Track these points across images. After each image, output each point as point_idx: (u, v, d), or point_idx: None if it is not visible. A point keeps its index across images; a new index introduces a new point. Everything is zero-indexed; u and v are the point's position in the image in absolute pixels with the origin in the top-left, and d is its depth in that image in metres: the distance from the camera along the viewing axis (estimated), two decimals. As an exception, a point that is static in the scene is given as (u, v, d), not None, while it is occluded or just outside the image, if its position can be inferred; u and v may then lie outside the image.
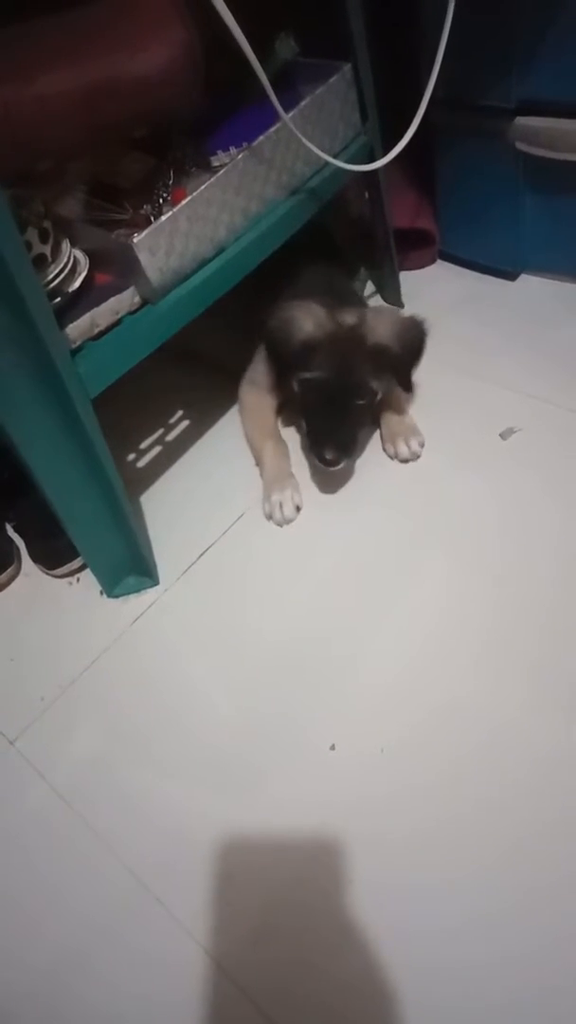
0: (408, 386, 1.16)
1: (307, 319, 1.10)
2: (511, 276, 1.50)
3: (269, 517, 1.19)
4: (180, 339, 1.02)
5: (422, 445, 1.22)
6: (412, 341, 1.12)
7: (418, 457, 1.22)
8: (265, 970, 0.80)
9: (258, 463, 1.25)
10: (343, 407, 1.12)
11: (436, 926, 0.79)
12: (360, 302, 1.32)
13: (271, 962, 0.80)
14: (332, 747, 0.94)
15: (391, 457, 1.23)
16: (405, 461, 1.22)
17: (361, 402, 1.13)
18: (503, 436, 1.22)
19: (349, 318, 1.11)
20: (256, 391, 1.28)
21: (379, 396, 1.16)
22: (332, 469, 1.14)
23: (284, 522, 1.18)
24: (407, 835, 0.86)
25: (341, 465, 1.14)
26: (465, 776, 0.89)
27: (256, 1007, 0.77)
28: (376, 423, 1.27)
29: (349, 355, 1.09)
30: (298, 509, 1.19)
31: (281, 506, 1.18)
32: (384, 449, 1.24)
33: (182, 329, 1.02)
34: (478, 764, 0.89)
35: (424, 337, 1.14)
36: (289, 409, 1.30)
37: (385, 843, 0.85)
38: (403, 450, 1.21)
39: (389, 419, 1.25)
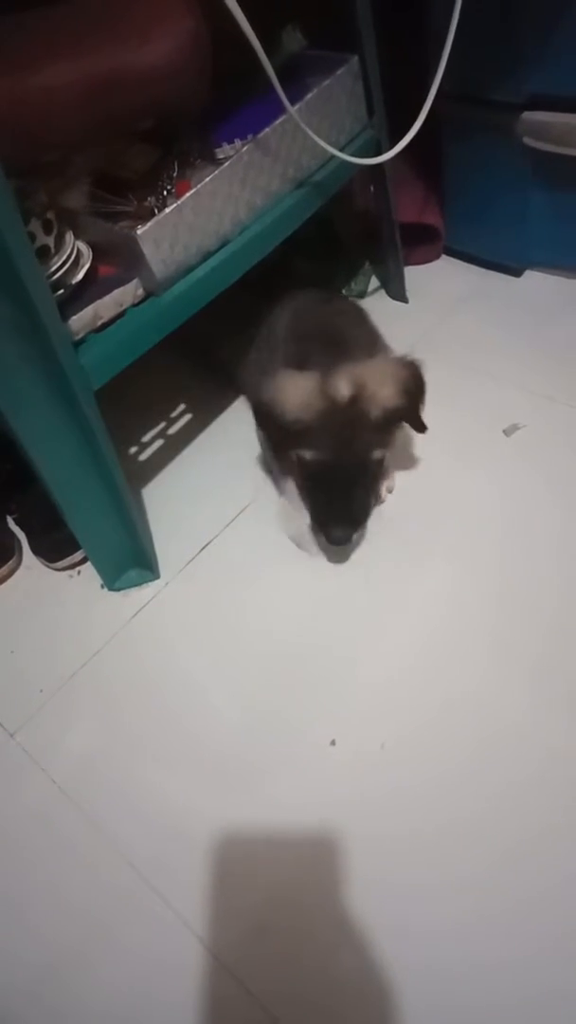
0: (422, 428, 1.08)
1: (294, 396, 0.99)
2: (517, 272, 1.49)
3: (299, 544, 1.15)
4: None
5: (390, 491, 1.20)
6: (415, 387, 1.03)
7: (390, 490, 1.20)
8: (265, 965, 0.80)
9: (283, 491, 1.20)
10: (348, 486, 1.03)
11: (435, 923, 0.79)
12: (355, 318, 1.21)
13: (271, 957, 0.80)
14: (332, 742, 0.94)
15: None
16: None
17: (369, 473, 1.05)
18: (507, 432, 1.22)
19: (343, 387, 0.98)
20: None
21: (385, 459, 1.08)
22: (342, 545, 1.08)
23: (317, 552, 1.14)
24: (407, 831, 0.85)
25: (353, 540, 1.08)
26: (466, 773, 0.88)
27: (256, 1001, 0.78)
28: None
29: (349, 434, 0.99)
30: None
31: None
32: None
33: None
34: (479, 761, 0.89)
35: (423, 377, 1.04)
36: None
37: (385, 839, 0.85)
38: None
39: None
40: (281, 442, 1.05)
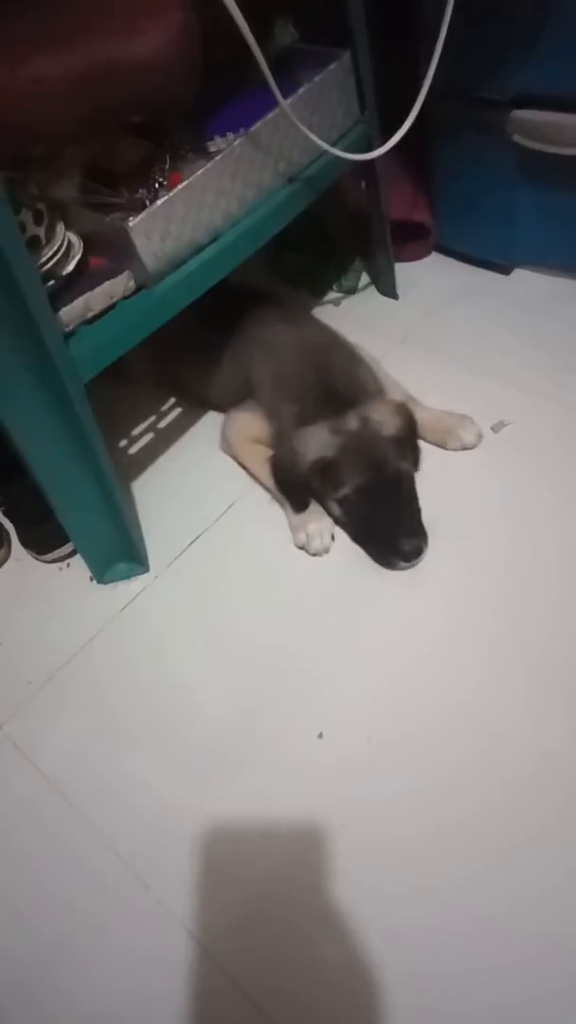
0: (417, 464, 1.14)
1: (311, 445, 1.07)
2: (506, 270, 1.50)
3: (302, 547, 1.13)
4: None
5: (480, 435, 1.21)
6: (409, 425, 1.11)
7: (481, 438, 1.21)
8: (253, 957, 0.80)
9: (278, 498, 1.18)
10: (395, 497, 1.07)
11: (422, 917, 0.80)
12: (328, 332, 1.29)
13: (259, 949, 0.81)
14: (320, 735, 0.94)
15: (459, 449, 1.21)
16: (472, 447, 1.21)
17: (406, 484, 1.09)
18: (494, 429, 1.23)
19: (352, 423, 1.08)
20: (250, 442, 1.24)
21: (413, 479, 1.12)
22: (415, 561, 1.07)
23: (323, 551, 1.12)
24: (394, 825, 0.86)
25: (424, 553, 1.07)
26: (454, 767, 0.89)
27: (243, 993, 0.78)
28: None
29: (374, 452, 1.06)
30: (333, 538, 1.14)
31: (321, 535, 1.12)
32: (447, 447, 1.21)
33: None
34: (467, 755, 0.90)
35: (414, 419, 1.13)
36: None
37: (372, 832, 0.86)
38: (470, 438, 1.20)
39: (425, 419, 1.20)
40: (304, 495, 1.12)
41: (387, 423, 1.09)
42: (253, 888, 0.85)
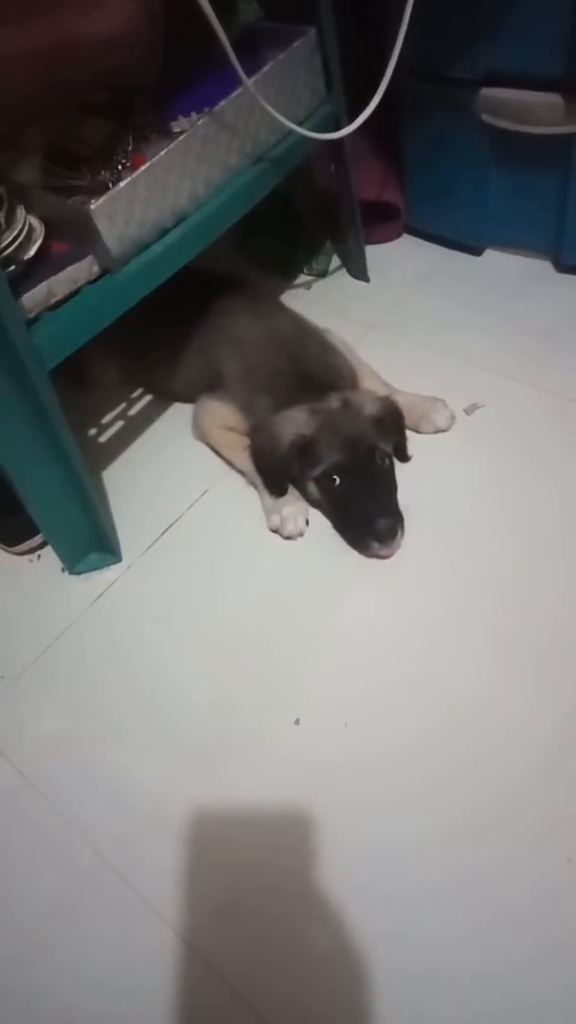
0: (405, 456, 1.15)
1: (287, 426, 1.07)
2: (477, 251, 1.49)
3: (275, 530, 1.12)
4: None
5: (453, 418, 1.21)
6: (395, 416, 1.11)
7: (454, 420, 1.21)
8: (234, 947, 0.80)
9: (254, 482, 1.18)
10: (371, 477, 1.06)
11: (403, 901, 0.80)
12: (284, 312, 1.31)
13: (240, 939, 0.80)
14: (296, 722, 0.94)
15: (432, 432, 1.20)
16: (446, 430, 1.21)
17: (383, 463, 1.08)
18: (467, 412, 1.22)
19: (334, 402, 1.08)
20: (224, 429, 1.23)
21: (391, 460, 1.11)
22: (392, 545, 1.05)
23: (296, 534, 1.11)
24: (372, 808, 0.86)
25: (399, 537, 1.06)
26: (429, 752, 0.89)
27: (226, 984, 0.77)
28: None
29: (351, 428, 1.06)
30: (307, 522, 1.13)
31: (295, 518, 1.11)
32: (420, 431, 1.20)
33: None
34: (442, 739, 0.90)
35: (401, 411, 1.13)
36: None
37: (350, 816, 0.86)
38: (443, 422, 1.20)
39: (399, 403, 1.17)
40: (283, 477, 1.11)
41: (368, 405, 1.09)
42: (233, 877, 0.85)
